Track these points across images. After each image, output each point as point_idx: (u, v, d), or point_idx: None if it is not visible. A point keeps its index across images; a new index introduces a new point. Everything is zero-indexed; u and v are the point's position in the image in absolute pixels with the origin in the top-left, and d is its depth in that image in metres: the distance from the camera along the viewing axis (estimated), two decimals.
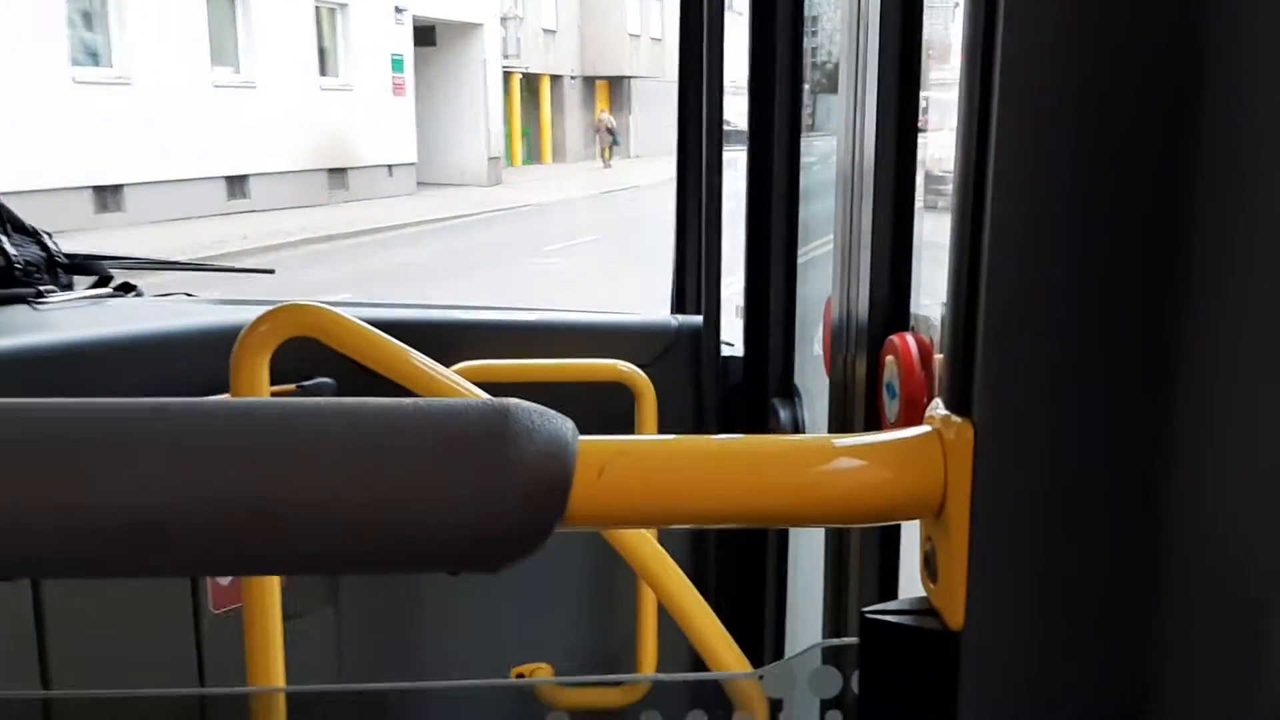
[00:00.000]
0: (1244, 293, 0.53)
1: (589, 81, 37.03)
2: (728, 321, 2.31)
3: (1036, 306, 0.55)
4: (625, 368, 2.18)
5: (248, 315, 1.75)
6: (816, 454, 0.61)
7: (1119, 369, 0.56)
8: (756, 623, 2.16)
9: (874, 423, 1.47)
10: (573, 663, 2.42)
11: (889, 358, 1.39)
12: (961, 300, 0.57)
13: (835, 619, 1.68)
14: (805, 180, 2.06)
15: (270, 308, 1.72)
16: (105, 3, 16.48)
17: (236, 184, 18.89)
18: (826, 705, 0.85)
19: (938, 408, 0.60)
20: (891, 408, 1.39)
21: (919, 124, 1.45)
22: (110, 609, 2.01)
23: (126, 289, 2.51)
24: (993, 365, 0.56)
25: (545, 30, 33.70)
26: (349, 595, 2.31)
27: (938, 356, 1.32)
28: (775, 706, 0.92)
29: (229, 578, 2.07)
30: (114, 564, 0.54)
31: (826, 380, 1.68)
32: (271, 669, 1.76)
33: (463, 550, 0.54)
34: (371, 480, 0.52)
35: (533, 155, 34.78)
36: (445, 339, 2.21)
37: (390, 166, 22.73)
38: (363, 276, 13.77)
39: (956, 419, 0.57)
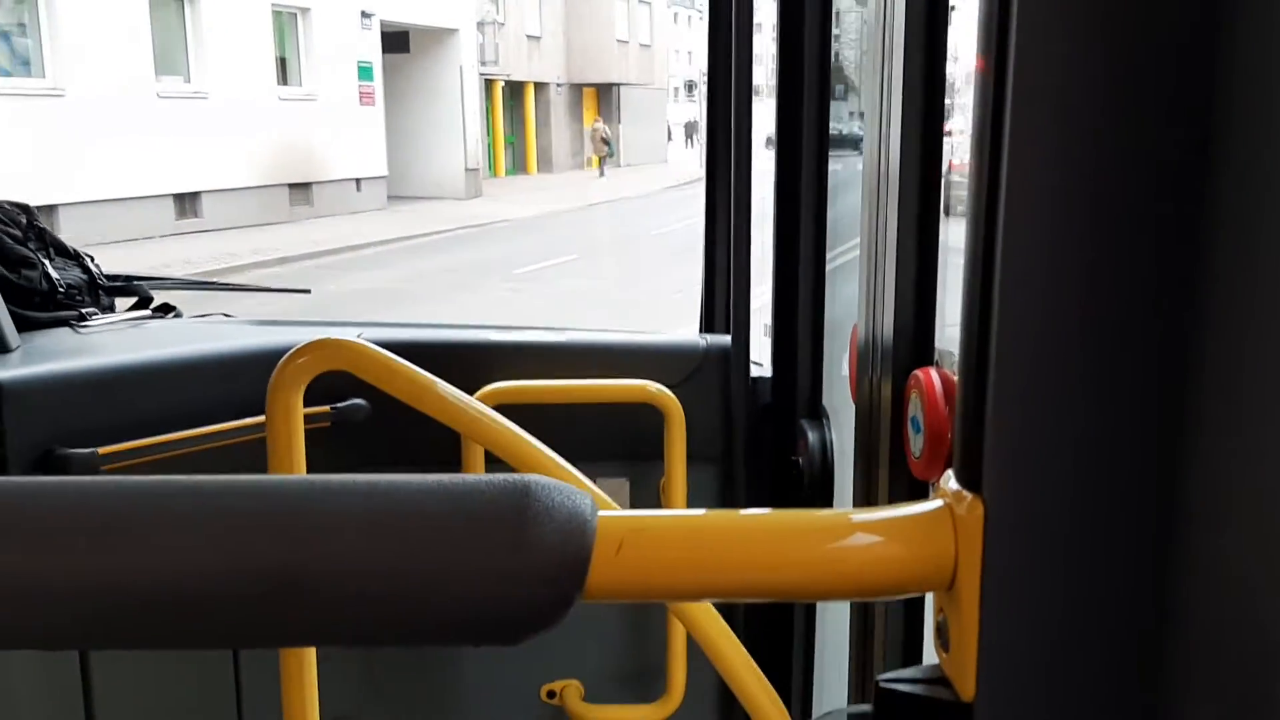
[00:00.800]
0: (1266, 370, 0.52)
1: (576, 89, 35.99)
2: (755, 341, 2.28)
3: (1045, 387, 0.56)
4: (654, 388, 2.18)
5: (284, 337, 1.88)
6: (832, 530, 0.62)
7: (1127, 448, 0.56)
8: (785, 665, 2.12)
9: (899, 455, 1.47)
10: (602, 680, 2.42)
11: (913, 392, 1.39)
12: (972, 378, 0.58)
13: (860, 682, 1.67)
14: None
15: (307, 340, 1.72)
16: (36, 6, 15.18)
17: (187, 202, 17.58)
18: None
19: (949, 480, 0.61)
20: (916, 442, 1.38)
21: (943, 147, 1.42)
22: None
23: (166, 310, 2.54)
24: (1002, 443, 0.57)
25: (529, 36, 32.63)
26: None
27: None
28: None
29: None
30: (148, 637, 0.57)
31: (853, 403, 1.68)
32: (306, 688, 1.77)
33: (483, 626, 0.55)
34: (394, 559, 0.54)
35: (518, 165, 33.88)
36: (476, 360, 2.23)
37: (358, 180, 21.42)
38: (307, 308, 12.49)
39: (967, 494, 0.59)
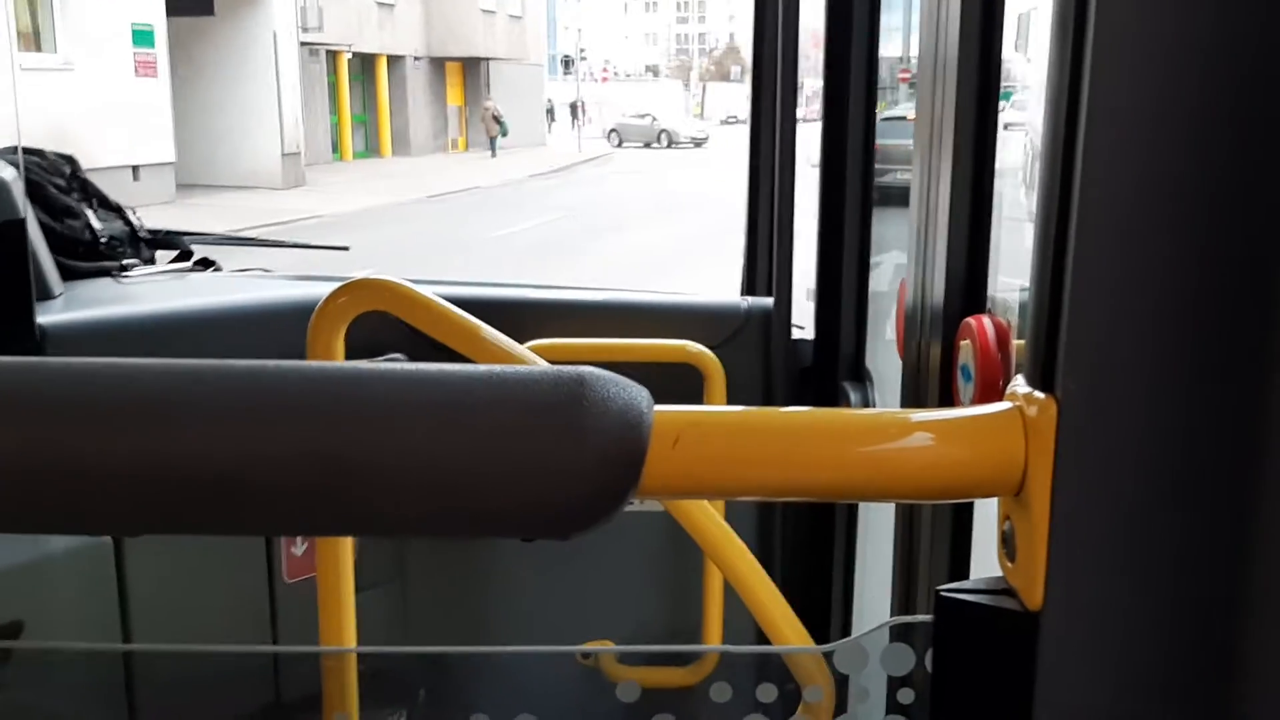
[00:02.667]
0: None
1: (437, 63, 32.67)
2: (798, 305, 2.30)
3: (1125, 278, 0.54)
4: (695, 348, 2.21)
5: (322, 290, 1.81)
6: (894, 428, 0.61)
7: (1212, 343, 0.54)
8: (823, 601, 2.18)
9: (948, 406, 1.43)
10: (637, 641, 2.44)
11: (964, 341, 1.40)
12: (1047, 271, 0.56)
13: (904, 597, 1.68)
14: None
15: (346, 281, 1.74)
16: None
17: None
18: (897, 683, 0.85)
19: (1019, 384, 0.59)
20: (966, 391, 1.39)
21: (999, 89, 1.42)
22: (188, 577, 2.09)
23: (206, 264, 2.64)
24: (1078, 339, 0.55)
25: (380, 3, 29.20)
26: (418, 568, 2.41)
27: (1016, 342, 1.33)
28: (841, 683, 0.92)
29: (302, 548, 2.21)
30: (192, 522, 0.56)
31: (898, 364, 1.69)
32: (343, 638, 1.80)
33: (536, 517, 0.55)
34: (447, 444, 0.52)
35: (370, 147, 30.47)
36: (516, 316, 2.24)
37: (135, 168, 17.89)
38: None
39: (1039, 395, 0.57)
